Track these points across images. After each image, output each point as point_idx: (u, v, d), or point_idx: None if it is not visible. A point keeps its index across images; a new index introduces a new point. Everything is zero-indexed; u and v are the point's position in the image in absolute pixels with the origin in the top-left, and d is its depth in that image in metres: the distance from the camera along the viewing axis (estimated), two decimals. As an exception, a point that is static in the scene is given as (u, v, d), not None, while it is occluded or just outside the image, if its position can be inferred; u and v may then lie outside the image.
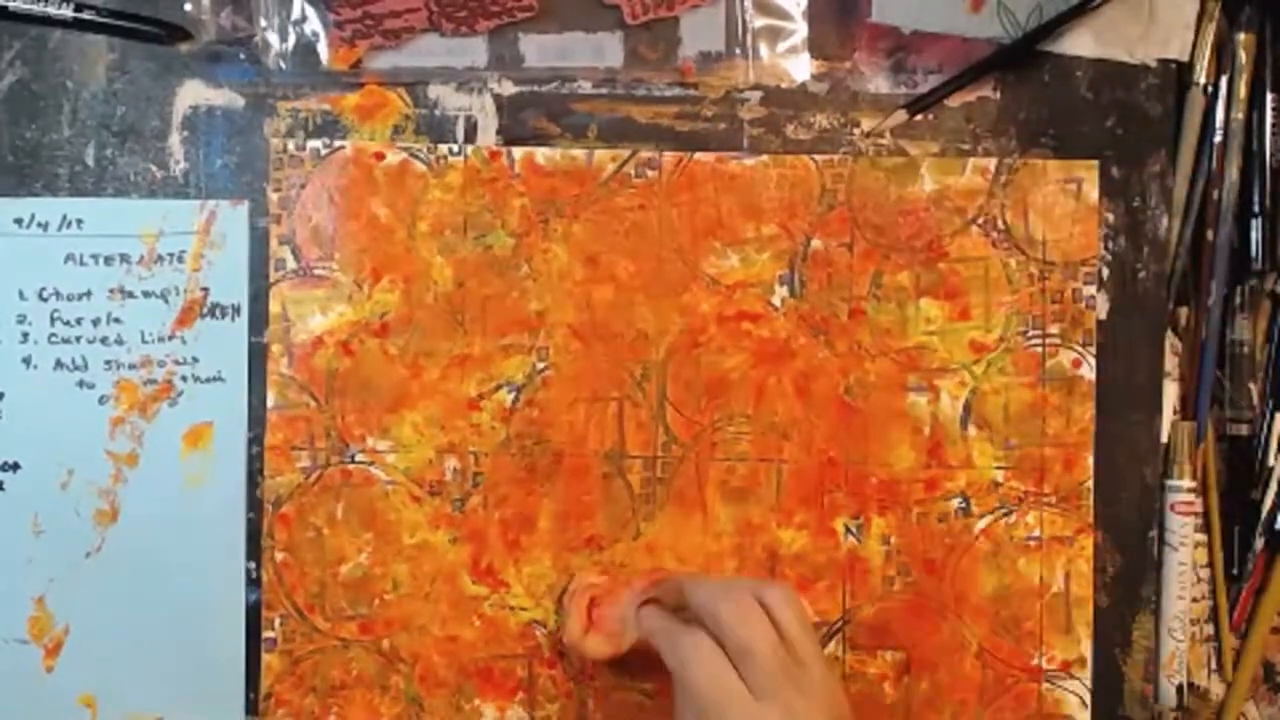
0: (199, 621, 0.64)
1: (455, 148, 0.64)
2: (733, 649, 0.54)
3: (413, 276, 0.64)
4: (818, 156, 0.65)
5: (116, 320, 0.64)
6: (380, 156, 0.64)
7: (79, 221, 0.64)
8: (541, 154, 0.64)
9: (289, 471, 0.64)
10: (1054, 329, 0.65)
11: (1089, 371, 0.65)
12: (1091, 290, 0.65)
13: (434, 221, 0.64)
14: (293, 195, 0.64)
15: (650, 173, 0.64)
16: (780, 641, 0.54)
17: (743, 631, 0.54)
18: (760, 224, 0.64)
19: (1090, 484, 0.65)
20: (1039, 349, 0.65)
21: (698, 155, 0.64)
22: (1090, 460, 0.65)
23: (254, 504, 0.64)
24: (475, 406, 0.64)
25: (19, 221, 0.64)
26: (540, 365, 0.64)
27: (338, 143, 0.64)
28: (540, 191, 0.64)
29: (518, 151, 0.64)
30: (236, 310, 0.64)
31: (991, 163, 0.65)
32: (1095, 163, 0.65)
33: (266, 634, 0.64)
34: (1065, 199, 0.65)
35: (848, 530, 0.65)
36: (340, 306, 0.64)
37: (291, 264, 0.64)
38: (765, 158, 0.64)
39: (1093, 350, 0.65)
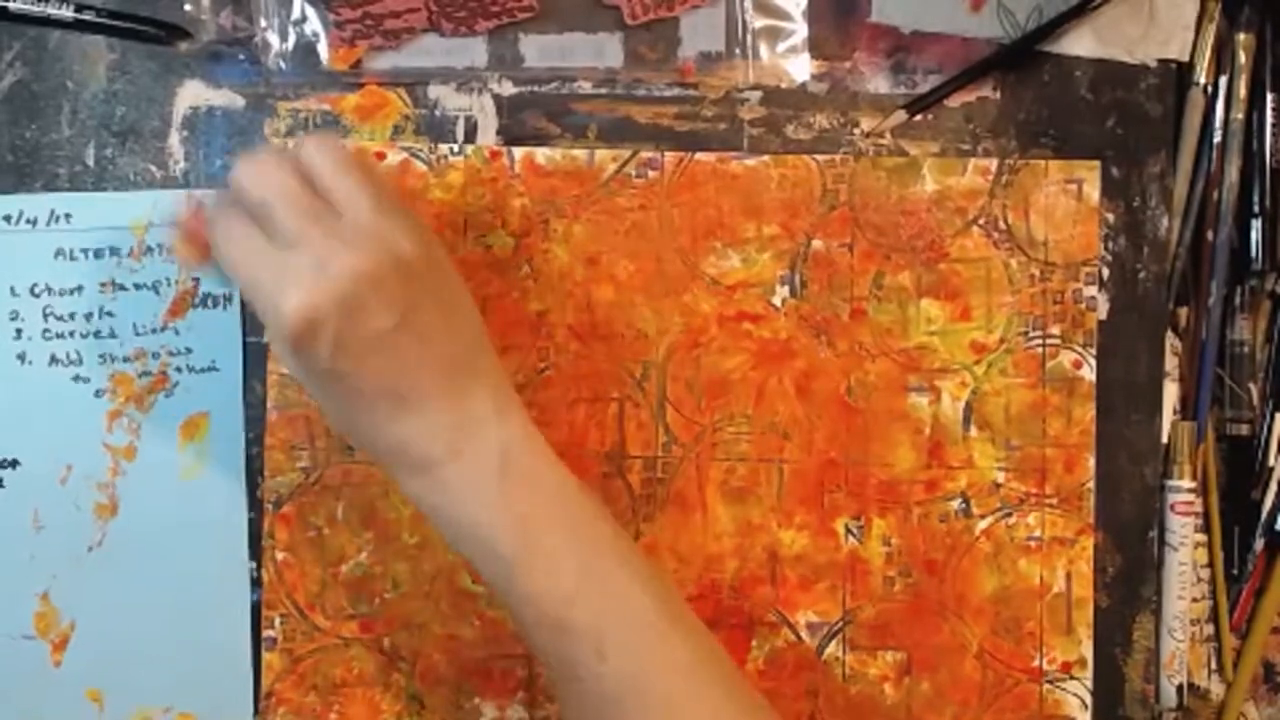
0: (204, 613, 0.64)
1: (456, 148, 0.64)
2: (253, 209, 0.50)
3: (413, 276, 0.64)
4: (819, 157, 0.65)
5: (109, 314, 0.64)
6: (381, 156, 0.64)
7: (67, 216, 0.64)
8: (542, 154, 0.64)
9: (289, 471, 0.64)
10: (1055, 330, 0.65)
11: (1090, 372, 0.65)
12: (1093, 291, 0.65)
13: (434, 221, 0.64)
14: (293, 195, 0.64)
15: (651, 173, 0.64)
16: (304, 190, 0.50)
17: (256, 186, 0.50)
18: (761, 224, 0.64)
19: (1091, 485, 0.65)
20: (1040, 350, 0.65)
21: (699, 155, 0.64)
22: (1091, 461, 0.65)
23: (254, 504, 0.64)
24: (476, 406, 0.64)
25: (7, 218, 0.64)
26: (540, 365, 0.64)
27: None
28: (541, 191, 0.64)
29: (518, 151, 0.64)
30: (228, 299, 0.64)
31: (992, 163, 0.65)
32: (1096, 163, 0.65)
33: (267, 633, 0.64)
34: (1066, 199, 0.65)
35: (848, 531, 0.65)
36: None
37: (292, 264, 0.64)
38: (767, 158, 0.64)
39: (1093, 351, 0.65)
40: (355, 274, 0.48)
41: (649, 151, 0.64)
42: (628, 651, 0.50)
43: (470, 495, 0.51)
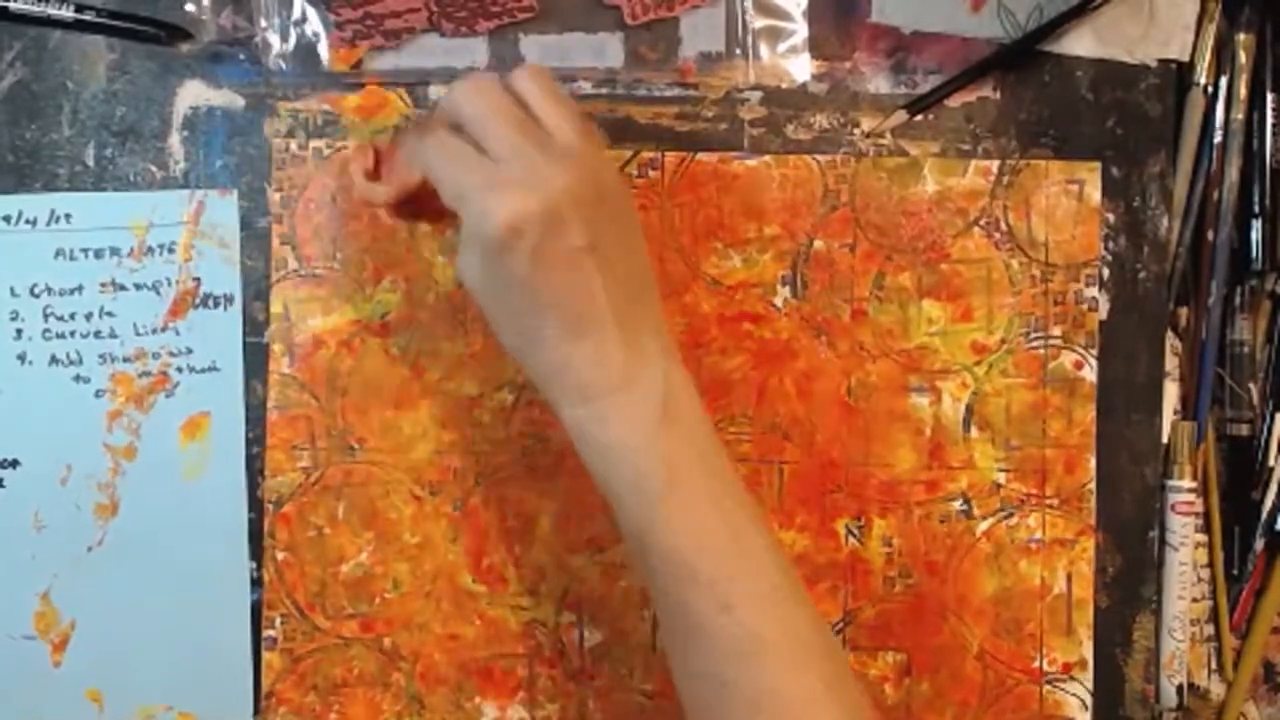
0: (204, 612, 0.64)
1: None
2: (469, 123, 0.52)
3: (414, 276, 0.64)
4: (820, 157, 0.64)
5: (109, 314, 0.64)
6: (382, 156, 0.64)
7: (67, 216, 0.64)
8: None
9: (290, 471, 0.64)
10: (1056, 331, 0.65)
11: (1091, 373, 0.65)
12: (1093, 292, 0.65)
13: (435, 221, 0.64)
14: (294, 195, 0.64)
15: (652, 173, 0.64)
16: (524, 114, 0.52)
17: (475, 102, 0.52)
18: (762, 224, 0.64)
19: (1092, 486, 0.65)
20: (1041, 351, 0.65)
21: (700, 155, 0.64)
22: (1092, 463, 0.65)
23: (254, 504, 0.64)
24: (476, 406, 0.64)
25: (7, 219, 0.64)
26: (541, 365, 0.64)
27: (340, 143, 0.64)
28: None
29: (519, 152, 0.64)
30: (229, 300, 0.64)
31: (994, 164, 0.65)
32: (1097, 164, 0.65)
33: (267, 632, 0.64)
34: (1067, 201, 0.65)
35: (849, 531, 0.65)
36: (342, 306, 0.64)
37: (293, 264, 0.64)
38: (768, 158, 0.64)
39: (1094, 352, 0.65)
40: (563, 190, 0.50)
41: (650, 151, 0.64)
42: (752, 608, 0.51)
43: (629, 429, 0.52)
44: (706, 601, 0.50)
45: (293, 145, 0.64)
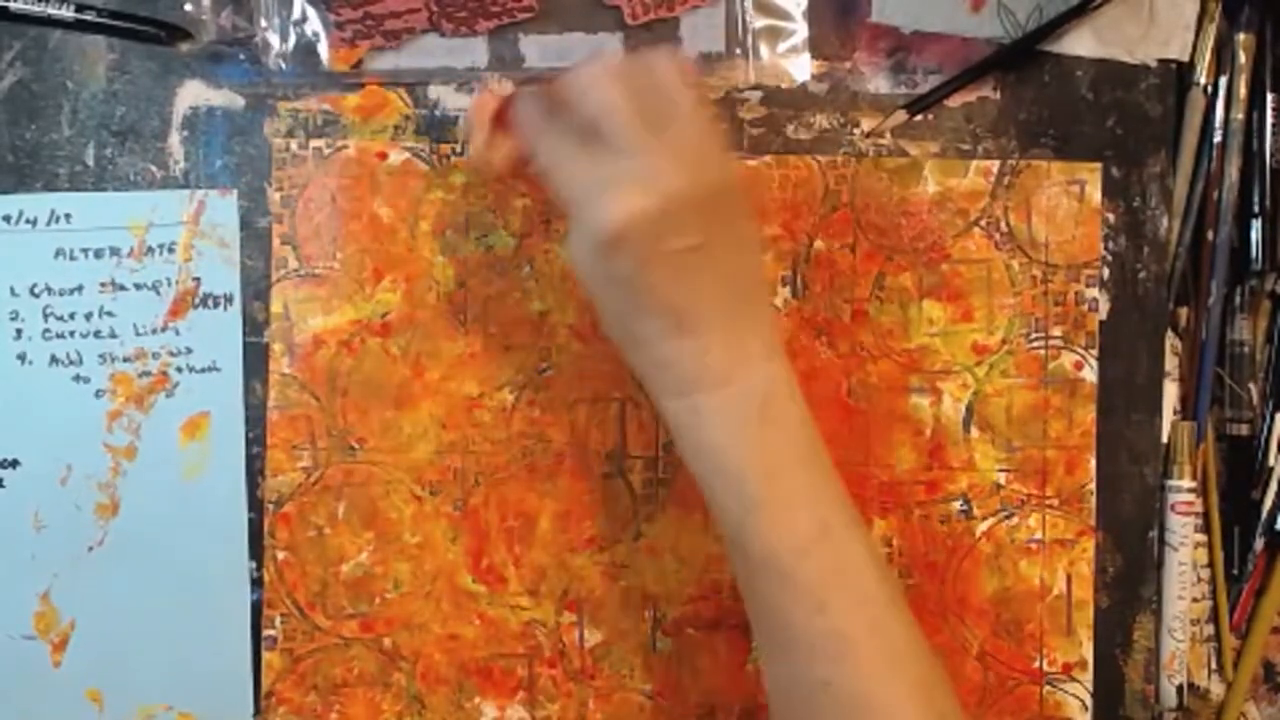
0: (204, 613, 0.64)
1: (458, 148, 0.64)
2: (588, 111, 0.51)
3: (415, 276, 0.64)
4: (821, 157, 0.64)
5: (109, 314, 0.64)
6: (383, 156, 0.64)
7: (67, 216, 0.64)
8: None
9: (290, 471, 0.64)
10: (1056, 331, 0.65)
11: (1091, 374, 0.65)
12: (1094, 293, 0.65)
13: (436, 221, 0.64)
14: (294, 195, 0.64)
15: (652, 173, 0.64)
16: (650, 104, 0.50)
17: (597, 91, 0.51)
18: (763, 225, 0.64)
19: (1092, 487, 0.65)
20: (1041, 351, 0.65)
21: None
22: (1092, 463, 0.65)
23: (254, 504, 0.64)
24: (477, 406, 0.64)
25: (7, 218, 0.64)
26: (542, 365, 0.64)
27: (340, 142, 0.64)
28: (542, 192, 0.64)
29: (520, 152, 0.64)
30: (229, 300, 0.64)
31: (994, 164, 0.65)
32: (1098, 165, 0.65)
33: (267, 632, 0.64)
34: (1068, 201, 0.65)
35: (849, 531, 0.65)
36: (342, 306, 0.64)
37: (293, 263, 0.64)
38: (768, 158, 0.64)
39: (1095, 353, 0.65)
40: (681, 191, 0.49)
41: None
42: (846, 610, 0.50)
43: (728, 427, 0.51)
44: (800, 604, 0.50)
45: (293, 145, 0.64)
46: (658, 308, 0.51)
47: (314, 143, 0.64)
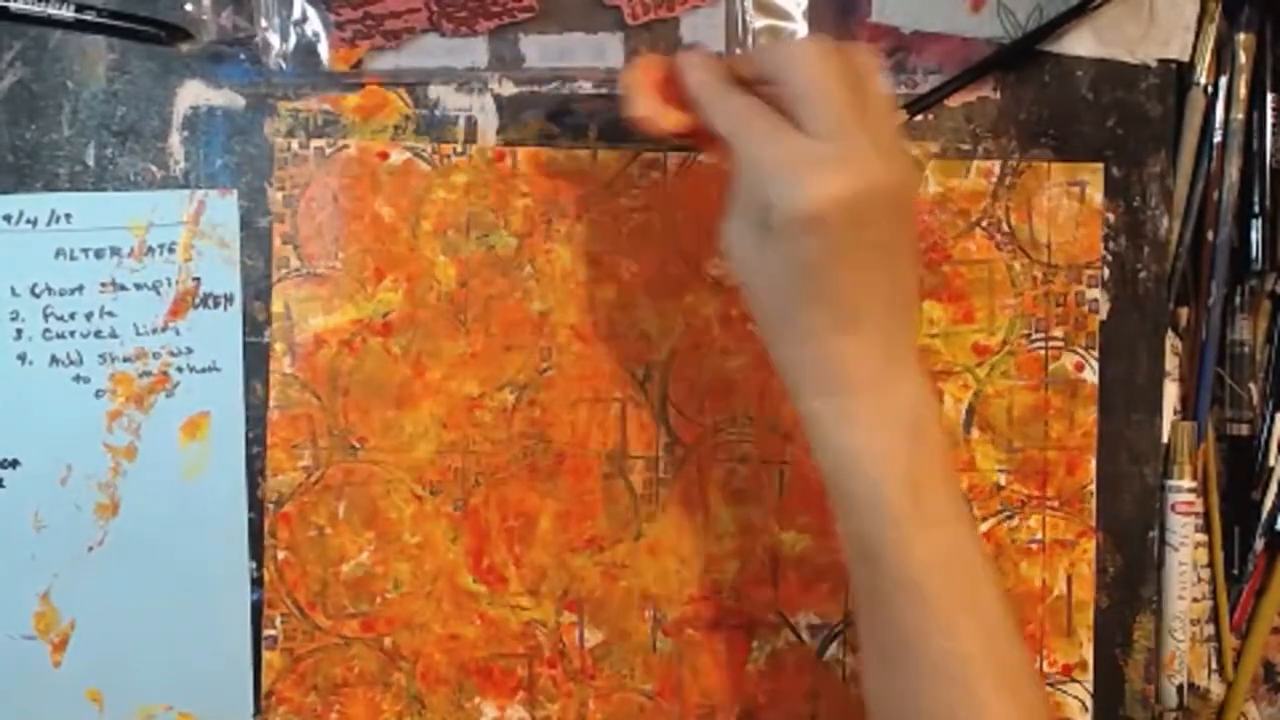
0: (204, 613, 0.64)
1: (459, 148, 0.64)
2: (797, 89, 0.48)
3: (416, 276, 0.64)
4: (821, 158, 0.64)
5: (109, 314, 0.64)
6: (384, 156, 0.64)
7: (68, 216, 0.64)
8: (545, 154, 0.64)
9: (291, 470, 0.64)
10: (1057, 332, 0.65)
11: (1092, 375, 0.65)
12: (1095, 294, 0.65)
13: (437, 221, 0.64)
14: (296, 195, 0.64)
15: (654, 173, 0.64)
16: (852, 85, 0.48)
17: (814, 67, 0.48)
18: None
19: (1093, 488, 0.65)
20: (1042, 352, 0.65)
21: (701, 156, 0.64)
22: (1093, 464, 0.65)
23: (255, 504, 0.64)
24: (478, 406, 0.64)
25: (8, 218, 0.63)
26: (543, 365, 0.64)
27: (341, 142, 0.64)
28: (543, 192, 0.64)
29: (521, 152, 0.64)
30: (229, 300, 0.64)
31: (995, 165, 0.65)
32: (1099, 166, 0.65)
33: (268, 632, 0.64)
34: (1069, 202, 0.65)
35: (849, 531, 0.65)
36: (343, 305, 0.64)
37: (294, 263, 0.64)
38: (769, 159, 0.64)
39: (1096, 354, 0.65)
40: (881, 182, 0.47)
41: (652, 152, 0.64)
42: (970, 631, 0.49)
43: (875, 434, 0.50)
44: (933, 624, 0.49)
45: (294, 145, 0.64)
46: (834, 298, 0.49)
47: (315, 142, 0.64)
